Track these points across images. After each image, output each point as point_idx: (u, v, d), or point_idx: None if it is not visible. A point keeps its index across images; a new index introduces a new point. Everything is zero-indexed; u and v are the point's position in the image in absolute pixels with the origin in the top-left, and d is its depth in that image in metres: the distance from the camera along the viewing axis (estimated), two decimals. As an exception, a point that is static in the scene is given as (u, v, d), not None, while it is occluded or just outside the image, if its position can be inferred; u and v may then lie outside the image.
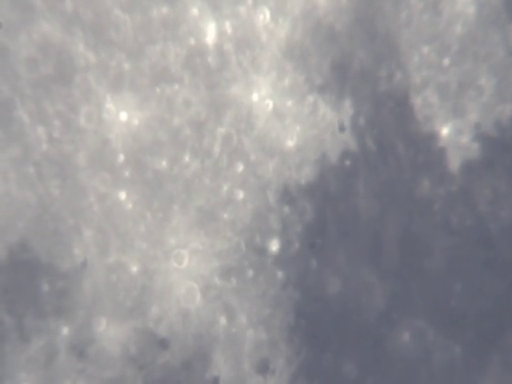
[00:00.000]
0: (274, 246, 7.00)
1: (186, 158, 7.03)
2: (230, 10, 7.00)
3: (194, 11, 6.98)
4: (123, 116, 7.08)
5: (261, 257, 6.99)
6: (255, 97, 7.01)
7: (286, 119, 7.00)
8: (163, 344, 7.06)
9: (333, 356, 6.92)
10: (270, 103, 6.99)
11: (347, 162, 6.95)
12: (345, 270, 6.93)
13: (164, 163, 7.04)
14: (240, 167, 7.00)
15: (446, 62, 6.93)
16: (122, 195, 7.06)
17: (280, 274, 6.99)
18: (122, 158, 7.06)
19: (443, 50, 6.95)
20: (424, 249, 6.92)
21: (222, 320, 7.03)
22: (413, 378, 6.94)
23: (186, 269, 7.04)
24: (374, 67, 7.00)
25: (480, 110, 7.04)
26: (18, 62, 7.07)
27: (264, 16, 7.01)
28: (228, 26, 7.03)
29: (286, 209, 6.99)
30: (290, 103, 7.00)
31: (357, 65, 7.00)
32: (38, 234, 7.06)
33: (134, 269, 7.06)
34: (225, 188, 7.01)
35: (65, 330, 7.10)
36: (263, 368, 7.03)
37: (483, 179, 7.00)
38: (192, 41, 7.06)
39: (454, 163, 6.91)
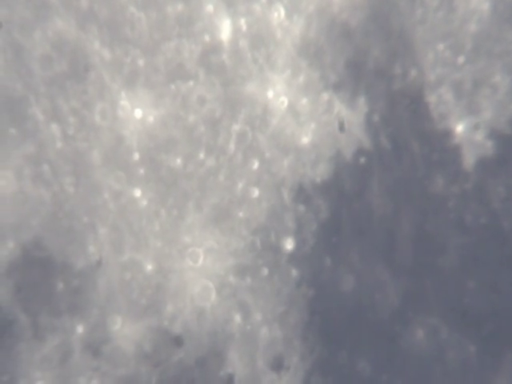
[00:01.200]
0: (289, 244, 6.95)
1: (201, 156, 6.97)
2: (245, 7, 6.93)
3: (209, 8, 6.91)
4: (138, 113, 7.01)
5: (275, 255, 6.94)
6: (270, 94, 6.95)
7: (300, 116, 6.93)
8: (178, 342, 7.00)
9: (347, 353, 6.88)
10: (284, 100, 6.92)
11: (362, 160, 6.90)
12: (359, 267, 6.89)
13: (179, 161, 6.97)
14: (255, 164, 6.94)
15: (461, 59, 6.87)
16: (137, 193, 6.99)
17: (295, 272, 6.94)
18: (136, 155, 6.99)
19: (458, 47, 6.89)
20: (438, 246, 6.88)
21: (237, 318, 6.98)
22: (427, 376, 6.91)
23: (200, 267, 6.97)
24: (389, 65, 6.95)
25: (494, 107, 7.00)
26: (33, 60, 7.00)
27: (279, 13, 6.95)
28: (243, 23, 6.96)
29: (301, 207, 6.92)
30: (304, 100, 6.94)
31: (371, 62, 6.94)
32: (53, 231, 6.99)
33: (149, 267, 6.99)
34: (240, 186, 6.95)
35: (79, 329, 7.03)
36: (277, 365, 6.98)
37: (497, 177, 6.96)
38: (207, 38, 6.99)
39: (469, 161, 6.86)
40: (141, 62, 6.78)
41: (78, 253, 6.81)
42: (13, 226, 6.78)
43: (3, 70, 6.77)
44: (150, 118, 6.80)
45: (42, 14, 6.77)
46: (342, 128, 6.38)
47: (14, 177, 6.78)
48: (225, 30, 6.76)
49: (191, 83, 6.75)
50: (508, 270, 6.73)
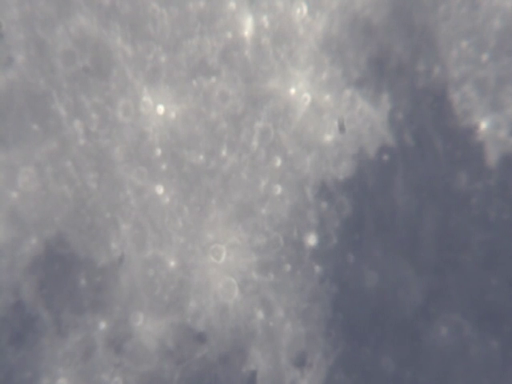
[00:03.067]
0: (312, 240, 6.86)
1: (224, 153, 6.87)
2: (268, 4, 6.83)
3: (232, 5, 6.81)
4: (160, 109, 6.92)
5: (298, 251, 6.85)
6: (293, 91, 6.83)
7: (323, 113, 6.84)
8: (201, 338, 6.91)
9: (370, 350, 6.80)
10: (307, 97, 6.82)
11: (385, 157, 6.80)
12: (382, 264, 6.79)
13: (201, 157, 6.87)
14: (278, 162, 6.84)
15: (485, 56, 6.76)
16: (159, 189, 6.89)
17: (318, 269, 6.84)
18: (158, 151, 6.89)
19: (482, 44, 6.78)
20: (461, 243, 6.77)
21: (260, 314, 6.88)
22: (450, 372, 6.82)
23: (223, 263, 6.88)
24: (412, 62, 6.84)
25: (518, 104, 6.89)
26: (55, 56, 6.92)
27: (301, 10, 6.84)
28: (265, 20, 6.85)
29: (324, 204, 6.82)
30: (327, 97, 6.83)
31: (394, 59, 6.84)
32: (75, 228, 6.90)
33: (172, 263, 6.90)
34: (263, 183, 6.84)
35: (102, 325, 6.95)
36: (300, 362, 6.89)
37: (520, 173, 6.86)
38: (229, 34, 6.88)
39: (492, 157, 6.75)
40: (163, 59, 6.69)
41: (100, 249, 6.72)
42: (36, 223, 6.71)
43: (26, 66, 6.68)
44: (172, 114, 6.70)
45: (64, 10, 6.67)
46: (341, 128, 6.26)
47: (36, 173, 6.70)
48: (247, 27, 6.66)
49: (213, 79, 6.66)
50: (531, 266, 6.63)
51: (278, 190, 6.58)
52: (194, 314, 6.61)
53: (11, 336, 6.56)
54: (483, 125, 6.60)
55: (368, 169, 6.57)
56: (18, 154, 6.57)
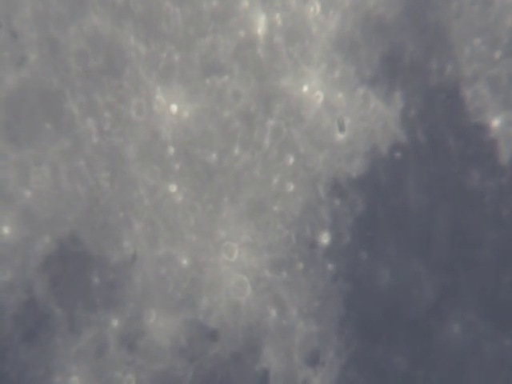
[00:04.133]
0: (325, 238, 6.83)
1: (236, 151, 6.86)
2: (281, 2, 6.81)
3: (245, 3, 6.80)
4: (173, 108, 6.91)
5: (311, 249, 6.82)
6: (305, 89, 6.82)
7: (336, 111, 6.82)
8: (213, 336, 6.89)
9: (383, 348, 6.77)
10: (320, 95, 6.80)
11: (397, 155, 6.77)
12: (395, 262, 6.77)
13: (214, 155, 6.86)
14: (290, 159, 6.82)
15: (497, 54, 6.74)
16: (172, 188, 6.88)
17: (330, 267, 6.81)
18: (171, 150, 6.88)
19: (494, 42, 6.75)
20: (474, 241, 6.75)
21: (272, 312, 6.86)
22: (462, 370, 6.78)
23: (236, 261, 6.86)
24: (425, 59, 6.82)
25: (530, 102, 6.85)
26: (69, 55, 6.92)
27: (314, 8, 6.83)
28: (278, 18, 6.85)
29: (337, 201, 6.80)
30: (340, 95, 6.81)
31: (407, 57, 6.82)
32: (88, 226, 6.90)
33: (184, 261, 6.88)
34: (275, 180, 6.83)
35: (115, 322, 6.94)
36: (313, 360, 6.87)
37: (533, 171, 6.82)
38: (242, 33, 6.87)
39: (505, 155, 6.72)
40: (176, 57, 6.67)
41: (113, 247, 6.71)
42: (49, 221, 6.70)
43: (39, 65, 6.68)
44: (185, 113, 6.69)
45: (77, 9, 6.67)
46: (341, 128, 6.24)
47: (50, 172, 6.69)
48: (260, 25, 6.65)
49: (226, 78, 6.64)
50: (544, 264, 6.60)
51: (291, 187, 6.55)
52: (206, 311, 6.59)
53: (24, 334, 6.56)
54: (496, 122, 6.57)
55: (381, 166, 6.54)
56: (31, 153, 6.57)
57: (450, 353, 6.52)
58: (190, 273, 6.57)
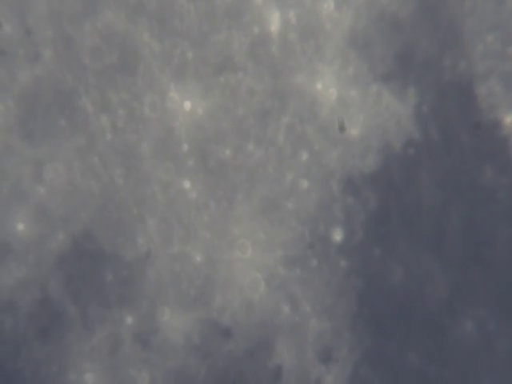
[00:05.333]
0: (338, 235, 6.83)
1: (250, 147, 6.85)
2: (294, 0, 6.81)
3: (258, 0, 6.81)
4: (187, 105, 6.90)
5: (324, 246, 6.82)
6: (319, 86, 6.82)
7: (349, 108, 6.82)
8: (227, 333, 6.88)
9: (396, 345, 6.76)
10: (334, 92, 6.81)
11: (411, 151, 6.76)
12: (408, 258, 6.76)
13: (228, 152, 6.85)
14: (304, 156, 6.82)
15: (510, 50, 6.74)
16: (186, 184, 6.87)
17: (343, 263, 6.80)
18: (185, 147, 6.87)
19: (507, 38, 6.76)
20: (487, 237, 6.75)
21: (286, 309, 6.85)
22: (475, 367, 6.77)
23: (249, 258, 6.85)
24: (438, 56, 6.81)
25: (543, 98, 6.85)
26: (83, 52, 6.91)
27: (328, 5, 6.82)
28: (292, 15, 6.85)
29: (350, 198, 6.80)
30: (353, 92, 6.81)
31: (420, 54, 6.81)
32: (102, 223, 6.88)
33: (198, 258, 6.86)
34: (289, 177, 6.82)
35: (129, 320, 6.92)
36: (326, 357, 6.86)
37: (546, 168, 6.81)
38: (256, 30, 6.86)
39: (518, 152, 6.73)
40: (190, 54, 6.66)
41: (127, 244, 6.69)
42: (63, 218, 6.68)
43: (53, 62, 6.66)
44: (199, 110, 6.67)
45: (91, 6, 6.66)
46: (341, 128, 6.24)
47: (64, 169, 6.67)
48: (274, 22, 6.64)
49: (240, 75, 6.63)
50: (557, 261, 6.58)
51: (304, 184, 6.53)
52: (219, 308, 6.57)
53: (38, 331, 6.53)
54: (509, 119, 6.55)
55: (394, 163, 6.52)
56: (46, 150, 6.55)
57: (462, 350, 6.50)
58: (203, 270, 6.55)
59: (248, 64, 6.49)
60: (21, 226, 6.58)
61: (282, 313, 6.54)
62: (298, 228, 6.52)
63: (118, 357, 6.54)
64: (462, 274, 6.54)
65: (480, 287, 6.54)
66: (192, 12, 6.43)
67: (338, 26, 6.48)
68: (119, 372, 6.53)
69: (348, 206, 6.53)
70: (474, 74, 6.52)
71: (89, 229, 6.52)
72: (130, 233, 6.54)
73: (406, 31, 6.51)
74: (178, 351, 6.54)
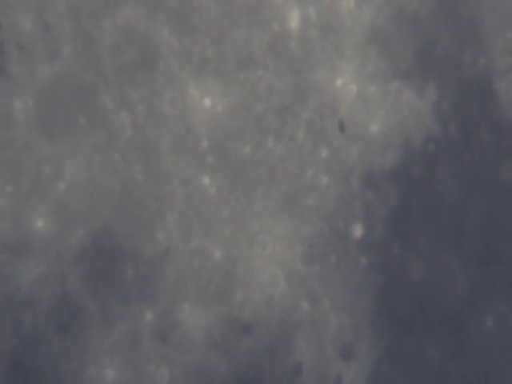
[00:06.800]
0: (358, 231, 6.81)
1: (270, 144, 6.82)
2: (314, -4, 6.77)
3: (278, -3, 6.75)
4: (207, 102, 6.88)
5: (344, 242, 6.80)
6: (339, 82, 6.81)
7: (369, 104, 6.79)
8: (246, 329, 6.85)
9: (416, 341, 6.73)
10: (353, 89, 6.78)
11: (431, 147, 6.74)
12: (428, 255, 6.73)
13: (247, 149, 6.82)
14: (324, 152, 6.79)
15: (530, 47, 6.71)
16: (206, 180, 6.85)
17: (363, 260, 6.78)
18: (205, 143, 6.84)
19: (527, 35, 6.73)
20: (507, 234, 6.72)
21: (305, 305, 6.82)
22: (495, 363, 6.74)
23: (269, 254, 6.83)
24: (458, 53, 6.79)
25: (563, 95, 6.82)
26: (102, 48, 6.88)
27: (348, 2, 6.80)
28: (312, 12, 6.82)
29: (370, 194, 6.77)
30: (373, 89, 6.78)
31: (440, 50, 6.78)
32: (122, 219, 6.85)
33: (218, 254, 6.85)
34: (308, 173, 6.79)
35: (148, 315, 6.89)
36: (346, 353, 6.83)
37: None
38: (276, 27, 6.84)
39: (538, 148, 6.70)
40: (209, 51, 6.63)
41: (146, 240, 6.66)
42: (83, 214, 6.65)
43: (73, 58, 6.64)
44: (219, 107, 6.65)
45: (111, 2, 6.64)
46: (341, 128, 6.21)
47: (84, 165, 6.64)
48: (294, 19, 6.62)
49: (260, 72, 6.61)
50: None
51: (324, 180, 6.50)
52: (239, 304, 6.54)
53: (58, 326, 6.51)
54: (529, 116, 6.53)
55: (414, 159, 6.50)
56: (66, 146, 6.53)
57: (482, 346, 6.47)
58: (223, 266, 6.53)
59: (268, 61, 6.46)
60: (40, 223, 6.56)
61: (302, 309, 6.51)
62: (317, 224, 6.49)
63: (138, 352, 6.52)
64: (482, 270, 6.51)
65: (500, 283, 6.52)
66: (212, 9, 6.41)
67: (358, 23, 6.45)
68: (138, 367, 6.51)
69: (368, 201, 6.50)
70: (493, 70, 6.49)
71: (108, 225, 6.50)
72: (149, 229, 6.52)
73: (425, 28, 6.49)
74: (197, 347, 6.52)
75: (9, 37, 6.44)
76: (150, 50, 6.49)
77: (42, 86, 6.56)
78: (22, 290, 6.53)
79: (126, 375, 6.52)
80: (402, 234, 6.48)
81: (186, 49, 6.49)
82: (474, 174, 6.48)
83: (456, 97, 6.49)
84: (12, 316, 6.41)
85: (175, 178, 6.51)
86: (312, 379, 6.50)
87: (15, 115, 6.47)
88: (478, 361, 6.48)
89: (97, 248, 6.53)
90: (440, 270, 6.48)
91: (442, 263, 6.48)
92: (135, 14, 6.46)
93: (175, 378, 6.54)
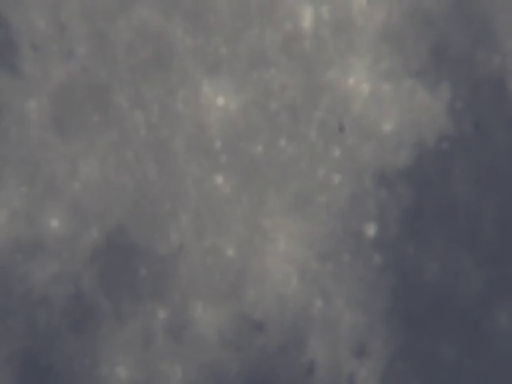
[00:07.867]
0: (371, 230, 6.79)
1: (282, 143, 6.81)
2: (327, -5, 6.76)
3: (291, -4, 6.75)
4: (220, 101, 6.88)
5: (357, 241, 6.78)
6: (352, 81, 6.80)
7: (382, 103, 6.78)
8: (259, 328, 6.84)
9: (430, 339, 6.70)
10: (366, 87, 6.77)
11: (445, 146, 6.71)
12: (442, 254, 6.69)
13: (260, 148, 6.82)
14: (336, 151, 6.78)
15: (544, 45, 6.67)
16: (219, 179, 6.85)
17: (377, 258, 6.76)
18: (218, 142, 6.84)
19: (541, 33, 6.69)
20: (521, 233, 6.67)
21: (318, 304, 6.81)
22: (510, 362, 6.71)
23: (281, 253, 6.81)
24: (472, 51, 6.76)
25: None
26: (117, 48, 6.90)
27: (360, 0, 6.79)
28: (325, 11, 6.81)
29: (383, 193, 6.75)
30: (386, 87, 6.77)
31: (454, 49, 6.76)
32: (136, 218, 6.86)
33: (230, 252, 6.85)
34: (321, 172, 6.78)
35: (161, 314, 6.90)
36: (360, 351, 6.81)
37: None
38: (289, 25, 6.84)
39: (552, 147, 6.66)
40: (223, 50, 6.64)
41: (160, 239, 6.66)
42: (97, 214, 6.66)
43: (88, 57, 6.66)
44: (232, 106, 6.65)
45: (125, 2, 6.65)
46: (341, 128, 6.19)
47: (98, 164, 6.66)
48: (306, 18, 6.61)
49: (273, 71, 6.60)
50: None
51: (337, 179, 6.48)
52: (252, 303, 6.53)
53: (71, 325, 6.52)
54: (543, 114, 6.48)
55: (427, 158, 6.46)
56: (80, 145, 6.54)
57: (497, 344, 6.43)
58: (236, 264, 6.51)
59: (281, 60, 6.45)
60: (55, 222, 6.58)
61: (315, 307, 6.49)
62: (330, 222, 6.47)
63: (151, 350, 6.52)
64: (497, 270, 6.46)
65: (513, 282, 6.47)
66: (225, 8, 6.41)
67: (371, 21, 6.43)
68: (151, 365, 6.51)
69: (381, 200, 6.48)
70: (507, 68, 6.45)
71: (122, 224, 6.50)
72: (163, 228, 6.51)
73: (439, 26, 6.46)
74: (210, 345, 6.50)
75: (23, 37, 6.46)
76: (165, 49, 6.49)
77: (57, 85, 6.57)
78: (36, 289, 6.54)
79: (138, 373, 6.52)
80: (416, 232, 6.45)
81: (199, 48, 6.49)
82: (488, 173, 6.45)
83: (470, 95, 6.45)
84: (26, 315, 6.42)
85: (189, 177, 6.50)
86: (325, 377, 6.48)
87: (29, 115, 6.49)
88: (492, 359, 6.43)
89: (110, 247, 6.53)
90: (454, 270, 6.44)
91: (456, 262, 6.45)
92: (150, 13, 6.47)
93: (188, 375, 6.54)
